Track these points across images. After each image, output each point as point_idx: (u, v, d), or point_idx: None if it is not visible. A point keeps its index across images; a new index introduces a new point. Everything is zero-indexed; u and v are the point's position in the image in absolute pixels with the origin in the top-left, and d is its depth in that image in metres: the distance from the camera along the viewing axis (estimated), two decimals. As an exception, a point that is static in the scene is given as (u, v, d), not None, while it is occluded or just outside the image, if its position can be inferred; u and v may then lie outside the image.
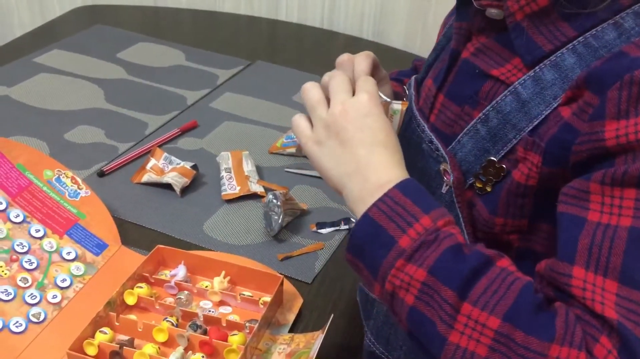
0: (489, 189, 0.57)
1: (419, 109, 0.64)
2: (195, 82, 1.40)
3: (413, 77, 0.69)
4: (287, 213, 0.98)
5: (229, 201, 1.04)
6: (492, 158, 0.56)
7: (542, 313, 0.46)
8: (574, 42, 0.53)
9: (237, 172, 1.08)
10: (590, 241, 0.47)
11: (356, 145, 0.55)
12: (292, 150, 1.16)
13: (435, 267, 0.48)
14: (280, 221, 0.95)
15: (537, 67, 0.55)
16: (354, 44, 1.69)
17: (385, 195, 0.52)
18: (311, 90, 0.60)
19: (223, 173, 1.08)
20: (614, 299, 0.45)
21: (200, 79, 1.42)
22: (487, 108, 0.57)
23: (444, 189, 0.60)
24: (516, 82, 0.55)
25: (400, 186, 0.52)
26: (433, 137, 0.60)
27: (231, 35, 1.68)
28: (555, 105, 0.53)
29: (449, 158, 0.59)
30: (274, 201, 0.96)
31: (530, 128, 0.54)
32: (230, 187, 1.05)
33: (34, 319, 0.78)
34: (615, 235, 0.46)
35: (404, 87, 0.72)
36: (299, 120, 0.61)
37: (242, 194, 1.04)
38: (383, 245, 0.50)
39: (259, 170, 1.12)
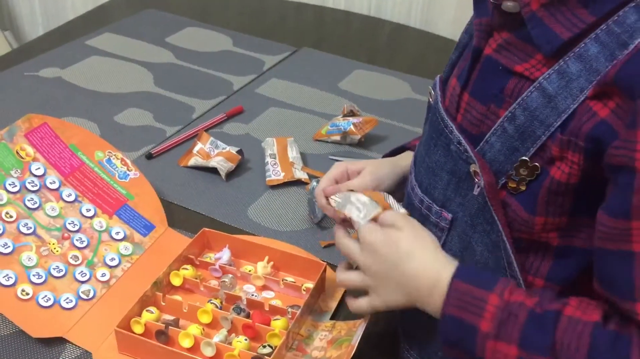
0: (523, 188, 0.56)
1: (445, 109, 0.63)
2: (242, 68, 1.41)
3: (437, 77, 0.68)
4: None
5: (273, 187, 1.05)
6: (525, 158, 0.55)
7: (617, 350, 0.50)
8: (597, 30, 0.51)
9: (281, 158, 1.08)
10: None
11: (388, 271, 0.63)
12: (337, 137, 1.16)
13: (522, 342, 0.53)
14: None
15: (561, 60, 0.53)
16: (401, 32, 1.67)
17: (450, 289, 0.57)
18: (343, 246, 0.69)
19: (268, 159, 1.08)
20: None
21: (246, 65, 1.43)
22: (513, 105, 0.55)
23: (476, 191, 0.59)
24: (540, 77, 0.54)
25: (457, 275, 0.58)
26: (461, 138, 0.59)
27: (278, 22, 1.68)
28: (583, 98, 0.52)
29: (478, 160, 0.57)
30: None
31: (559, 123, 0.53)
32: (275, 173, 1.05)
33: (84, 296, 0.81)
34: None
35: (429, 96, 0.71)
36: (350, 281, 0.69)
37: (286, 180, 1.04)
38: (469, 333, 0.55)
39: (304, 156, 1.12)
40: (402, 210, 0.67)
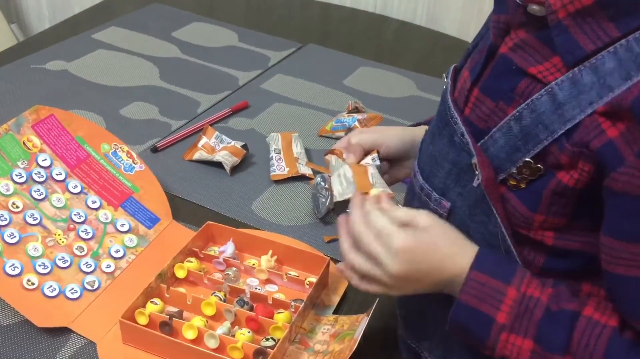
0: (522, 186, 0.57)
1: (453, 100, 0.64)
2: (248, 63, 1.42)
3: (452, 66, 0.68)
4: None
5: (278, 181, 1.05)
6: (529, 159, 0.56)
7: (633, 355, 0.52)
8: (616, 44, 0.51)
9: (286, 153, 1.09)
10: None
11: (418, 277, 0.60)
12: (342, 133, 1.17)
13: (538, 336, 0.55)
14: (327, 203, 0.96)
15: (576, 69, 0.53)
16: (407, 30, 1.67)
17: (468, 279, 0.57)
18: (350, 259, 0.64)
19: (272, 154, 1.09)
20: None
21: (252, 60, 1.43)
22: (522, 106, 0.56)
23: (476, 183, 0.59)
24: (553, 82, 0.54)
25: (477, 266, 0.58)
26: (464, 130, 0.60)
27: (284, 18, 1.69)
28: (591, 111, 0.52)
29: (477, 154, 0.58)
30: (322, 183, 0.97)
31: (563, 131, 0.53)
32: (279, 168, 1.06)
33: (89, 287, 0.81)
34: None
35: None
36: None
37: (290, 175, 1.05)
38: (483, 323, 0.56)
39: (308, 152, 1.13)
40: (388, 190, 0.67)
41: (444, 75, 0.68)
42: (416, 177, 0.68)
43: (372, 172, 0.68)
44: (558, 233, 0.57)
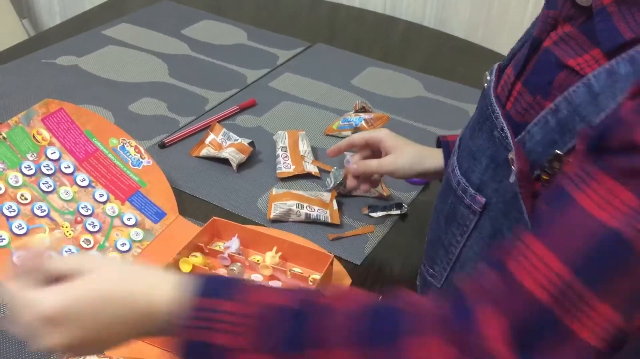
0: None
1: (496, 96, 0.64)
2: (256, 62, 1.43)
3: (496, 64, 0.69)
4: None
5: (283, 179, 1.06)
6: (558, 152, 0.55)
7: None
8: None
9: (292, 151, 1.09)
10: None
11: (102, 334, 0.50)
12: (348, 132, 1.17)
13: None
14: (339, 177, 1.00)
15: (613, 60, 0.52)
16: (415, 31, 1.68)
17: (192, 309, 0.48)
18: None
19: (279, 152, 1.09)
20: None
21: (260, 59, 1.44)
22: (558, 98, 0.55)
23: (512, 179, 0.59)
24: (590, 74, 0.53)
25: (201, 292, 0.49)
26: (504, 124, 0.60)
27: (293, 17, 1.69)
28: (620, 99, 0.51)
29: (515, 147, 0.58)
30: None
31: (598, 121, 0.52)
32: (286, 166, 1.07)
33: (95, 279, 0.82)
34: None
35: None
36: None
37: (296, 173, 1.05)
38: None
39: (314, 150, 1.13)
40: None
41: (487, 72, 0.68)
42: (454, 172, 0.69)
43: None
44: None
